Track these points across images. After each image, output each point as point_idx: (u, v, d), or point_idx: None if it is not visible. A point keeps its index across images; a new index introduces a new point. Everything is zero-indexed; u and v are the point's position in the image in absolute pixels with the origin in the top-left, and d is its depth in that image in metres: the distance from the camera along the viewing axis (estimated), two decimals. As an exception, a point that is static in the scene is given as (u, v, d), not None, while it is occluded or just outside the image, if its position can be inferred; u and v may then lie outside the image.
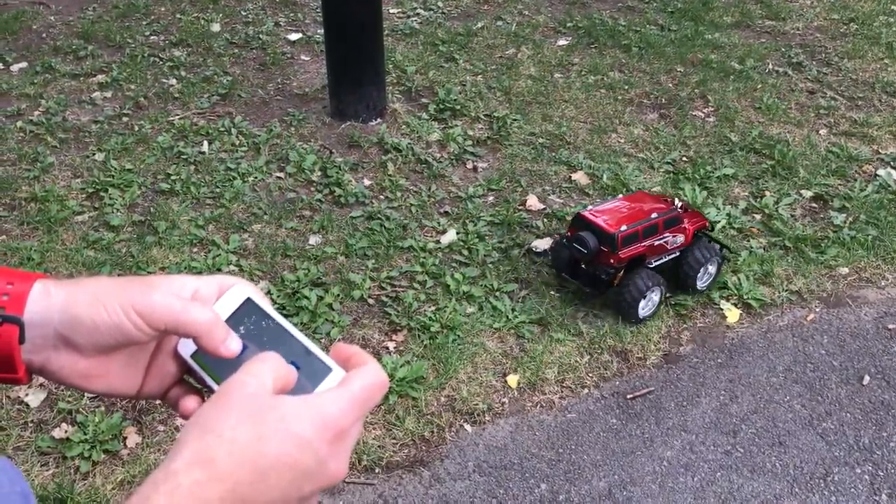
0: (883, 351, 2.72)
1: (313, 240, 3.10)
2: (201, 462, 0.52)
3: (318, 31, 4.81)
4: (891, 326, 2.82)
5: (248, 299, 0.67)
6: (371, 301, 2.79)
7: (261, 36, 4.75)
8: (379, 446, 2.30)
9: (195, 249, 3.02)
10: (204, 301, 0.66)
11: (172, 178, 3.40)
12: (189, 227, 3.11)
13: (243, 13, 5.07)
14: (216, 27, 4.85)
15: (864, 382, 2.59)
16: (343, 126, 3.83)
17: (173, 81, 4.22)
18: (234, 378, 0.57)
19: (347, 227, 3.17)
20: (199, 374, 0.67)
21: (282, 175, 3.48)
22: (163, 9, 5.11)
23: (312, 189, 3.41)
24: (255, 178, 3.44)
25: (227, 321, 0.66)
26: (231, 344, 0.63)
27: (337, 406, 0.56)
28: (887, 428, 2.42)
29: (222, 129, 3.77)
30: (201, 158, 3.55)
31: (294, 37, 4.79)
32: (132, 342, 0.63)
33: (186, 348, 0.67)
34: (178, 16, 5.01)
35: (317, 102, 4.06)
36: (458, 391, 2.49)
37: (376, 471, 2.25)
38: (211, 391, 0.65)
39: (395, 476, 2.24)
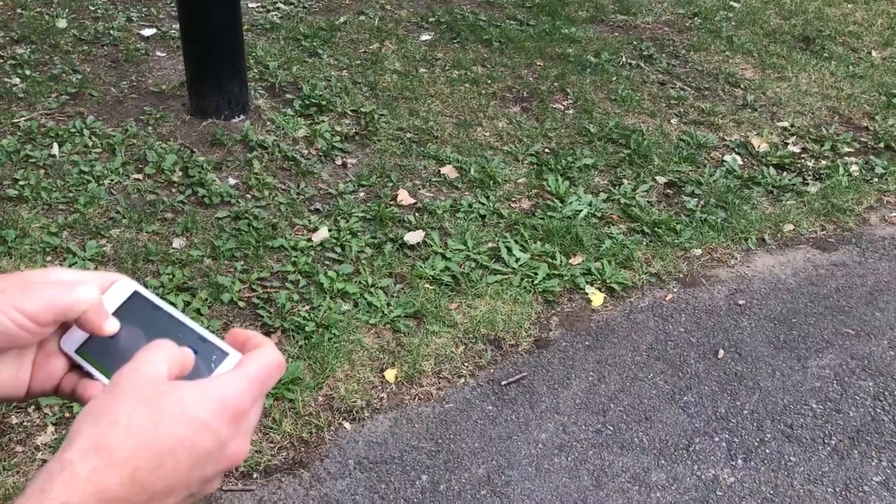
0: (734, 326, 2.91)
1: (177, 243, 3.00)
2: (97, 449, 0.51)
3: (174, 26, 4.63)
4: (741, 302, 3.03)
5: (136, 292, 0.66)
6: (242, 304, 2.73)
7: (112, 32, 4.53)
8: (256, 451, 2.26)
9: (49, 258, 2.85)
10: None
11: (20, 183, 3.19)
12: (41, 234, 2.93)
13: (91, 8, 4.81)
14: (62, 23, 4.58)
15: (720, 356, 2.77)
16: (204, 124, 3.71)
17: (17, 80, 3.96)
18: (127, 367, 0.56)
19: (213, 228, 3.08)
20: (87, 369, 0.65)
21: (140, 177, 3.34)
22: (0, 3, 4.78)
23: (174, 190, 3.29)
24: (112, 180, 3.28)
25: (115, 314, 0.65)
26: (110, 323, 0.63)
27: (235, 387, 0.56)
28: (741, 397, 2.60)
29: (73, 130, 3.57)
30: (52, 162, 3.35)
31: (148, 32, 4.60)
32: (16, 345, 0.61)
33: (70, 343, 0.65)
34: (18, 10, 4.70)
35: (175, 100, 3.91)
36: (335, 390, 2.48)
37: (254, 476, 2.21)
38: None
39: (273, 480, 2.20)
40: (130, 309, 0.65)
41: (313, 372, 2.52)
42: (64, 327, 0.64)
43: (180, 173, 3.37)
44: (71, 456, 0.51)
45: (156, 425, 0.52)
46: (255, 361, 0.59)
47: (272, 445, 2.29)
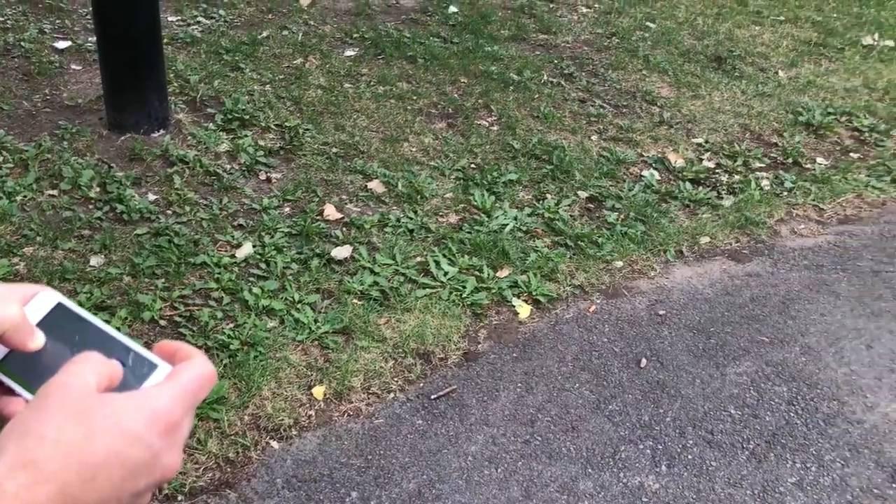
0: (656, 335, 2.99)
1: (95, 260, 2.90)
2: (25, 465, 0.50)
3: (90, 38, 4.51)
4: (661, 312, 3.11)
5: (59, 304, 0.64)
6: (163, 322, 2.66)
7: (23, 43, 4.37)
8: (181, 473, 2.20)
9: (-44, 278, 2.73)
10: None
11: (-77, 199, 3.05)
12: (-53, 253, 2.80)
13: (1, 18, 4.64)
14: (-32, 33, 4.40)
15: (642, 365, 2.83)
16: (123, 139, 3.61)
17: (-82, 92, 3.78)
18: (54, 380, 0.55)
19: (133, 245, 3.00)
20: (7, 384, 0.62)
21: (55, 193, 3.23)
22: None
23: (91, 206, 3.19)
24: (25, 196, 3.16)
25: (38, 326, 0.62)
26: (36, 339, 0.61)
27: (167, 398, 0.55)
28: (663, 405, 2.67)
29: (-18, 144, 3.42)
30: (-42, 177, 3.21)
31: (62, 45, 4.45)
32: None
33: None
34: (-80, 19, 4.50)
35: (92, 114, 3.80)
36: (262, 408, 2.43)
37: (179, 498, 2.15)
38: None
39: (199, 502, 2.15)
40: (54, 321, 0.63)
41: (239, 391, 2.47)
42: None
43: (98, 189, 3.27)
44: None
45: (87, 438, 0.51)
46: (186, 372, 0.58)
47: (197, 466, 2.23)
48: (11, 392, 0.63)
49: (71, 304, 0.65)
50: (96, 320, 0.64)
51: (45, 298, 0.64)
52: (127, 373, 0.59)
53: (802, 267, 3.51)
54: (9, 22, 4.61)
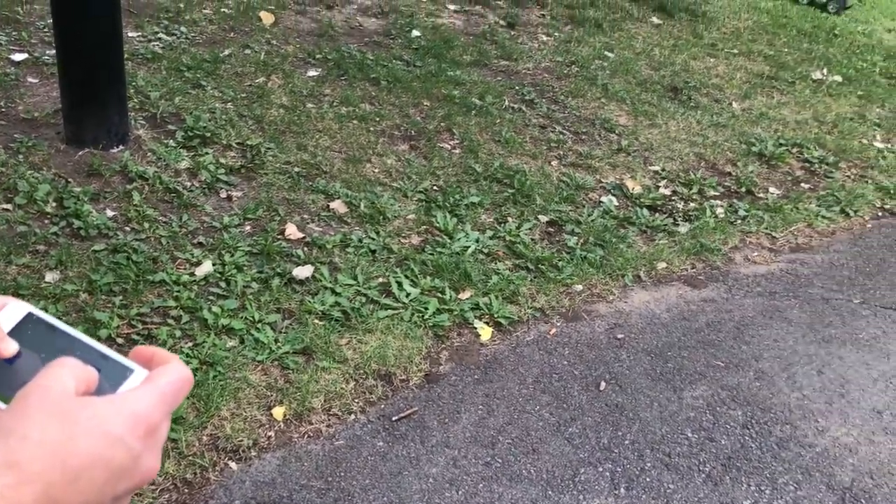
0: (614, 358, 3.03)
1: (50, 276, 2.84)
2: (8, 465, 0.50)
3: (48, 51, 4.44)
4: (620, 336, 3.15)
5: (30, 313, 0.64)
6: (120, 340, 2.61)
7: (-23, 54, 4.29)
8: (136, 494, 2.15)
9: None
10: None
11: None
12: None
13: (-46, 28, 4.55)
14: (-79, 42, 4.30)
15: (601, 388, 2.86)
16: (80, 153, 3.56)
17: None
18: (33, 383, 0.55)
19: (90, 261, 2.94)
20: None
21: (9, 207, 3.15)
22: None
23: (47, 221, 3.12)
24: (-23, 210, 3.08)
25: (10, 336, 0.61)
26: (9, 345, 0.60)
27: (146, 402, 0.56)
28: (622, 428, 2.69)
29: (-67, 155, 3.34)
30: None
31: (19, 57, 4.38)
32: None
33: None
34: None
35: (48, 128, 3.73)
36: (221, 429, 2.40)
37: (134, 521, 2.10)
38: None
39: (155, 524, 2.10)
40: (25, 330, 0.63)
41: (197, 411, 2.43)
42: None
43: (54, 204, 3.21)
44: None
45: (70, 440, 0.52)
46: (164, 376, 0.58)
47: (153, 487, 2.19)
48: None
49: (42, 314, 0.64)
50: (69, 328, 0.64)
51: (15, 309, 0.64)
52: (102, 378, 0.59)
53: (756, 293, 3.59)
54: (-37, 32, 4.52)
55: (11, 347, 0.61)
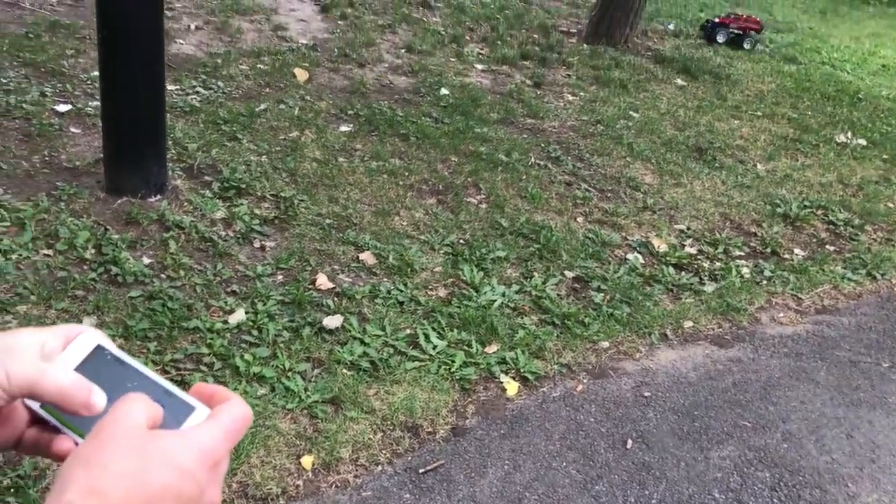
0: (641, 416, 3.03)
1: (87, 321, 2.90)
2: (94, 493, 0.54)
3: (91, 102, 4.59)
4: (646, 394, 3.16)
5: (99, 346, 0.67)
6: (154, 385, 2.65)
7: (24, 105, 4.44)
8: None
9: (-54, 333, 2.71)
10: (51, 354, 0.65)
11: (-82, 254, 3.05)
12: (-60, 308, 2.80)
13: (3, 80, 4.72)
14: (-30, 92, 4.47)
15: (628, 446, 2.86)
16: (119, 202, 3.66)
17: (-82, 148, 3.82)
18: (107, 417, 0.59)
19: (126, 307, 3.01)
20: (53, 424, 0.65)
21: (50, 253, 3.25)
22: None
23: (86, 267, 3.21)
24: (20, 255, 3.17)
25: (79, 369, 0.65)
26: (95, 400, 0.63)
27: (212, 437, 0.60)
28: (649, 487, 2.68)
29: (-21, 201, 3.45)
30: (-46, 233, 3.22)
31: (63, 108, 4.53)
32: None
33: (36, 401, 0.65)
34: (-77, 77, 4.56)
35: (90, 177, 3.85)
36: (250, 476, 2.42)
37: (164, 566, 2.11)
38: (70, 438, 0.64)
39: (185, 570, 2.12)
40: (95, 363, 0.66)
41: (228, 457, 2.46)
42: None
43: (93, 251, 3.30)
44: (70, 498, 0.53)
45: (145, 471, 0.56)
46: (227, 414, 0.62)
47: (183, 533, 2.20)
48: (58, 431, 0.66)
49: (111, 346, 0.67)
50: (136, 363, 0.67)
51: (86, 340, 0.67)
52: (166, 414, 0.62)
53: (782, 354, 3.59)
54: (11, 84, 4.69)
55: (101, 400, 0.64)
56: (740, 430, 3.03)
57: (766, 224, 4.82)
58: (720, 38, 9.22)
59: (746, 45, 9.21)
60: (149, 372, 0.66)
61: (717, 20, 9.41)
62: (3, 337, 0.64)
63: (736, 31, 9.23)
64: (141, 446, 0.57)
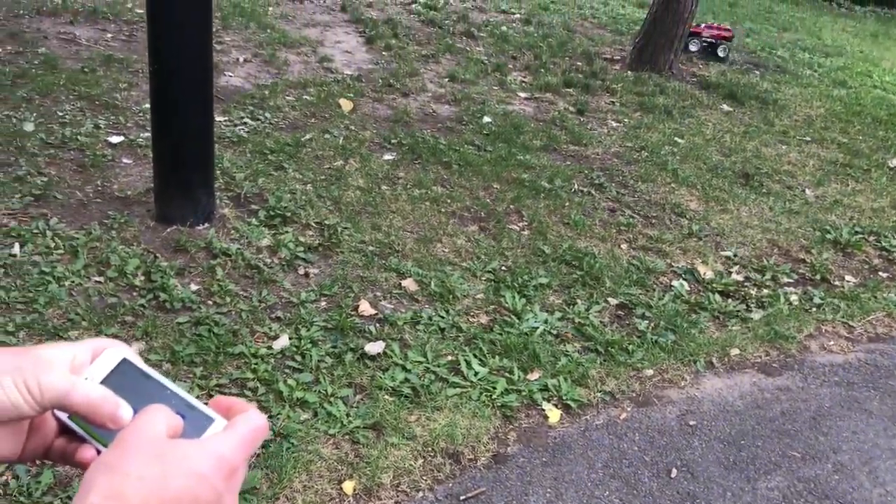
0: (686, 445, 2.97)
1: (136, 347, 2.97)
2: (115, 496, 0.56)
3: (142, 134, 4.73)
4: (691, 423, 3.10)
5: (124, 360, 0.70)
6: (200, 409, 2.69)
7: (79, 137, 4.60)
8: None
9: (2, 357, 2.79)
10: (80, 367, 0.68)
11: (-23, 280, 3.16)
12: (-4, 333, 2.89)
13: (60, 113, 4.90)
14: (29, 126, 4.64)
15: (673, 475, 2.81)
16: (168, 230, 3.75)
17: (-21, 179, 3.97)
18: (129, 426, 0.62)
19: (173, 333, 3.07)
20: (80, 434, 0.68)
21: (101, 279, 3.34)
22: (-32, 104, 4.83)
23: (135, 294, 3.29)
24: (73, 282, 3.27)
25: (104, 382, 0.68)
26: (122, 414, 0.66)
27: (228, 446, 0.62)
28: (694, 517, 2.63)
29: (36, 230, 3.57)
30: (12, 261, 3.33)
31: (115, 139, 4.68)
32: (23, 417, 0.65)
33: (65, 412, 0.68)
34: (-15, 112, 4.75)
35: (140, 206, 3.96)
36: (293, 500, 2.44)
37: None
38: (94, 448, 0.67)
39: None
40: (120, 376, 0.69)
41: (270, 482, 2.48)
42: None
43: (142, 277, 3.38)
44: (93, 500, 0.56)
45: (164, 478, 0.58)
46: (244, 424, 0.65)
47: (226, 557, 2.23)
48: (83, 441, 0.69)
49: (136, 360, 0.70)
50: (159, 376, 0.70)
51: (113, 354, 0.70)
52: (186, 425, 0.65)
53: (833, 383, 3.50)
54: (67, 117, 4.86)
55: (126, 414, 0.66)
56: (789, 460, 2.96)
57: (815, 250, 4.73)
58: (693, 48, 9.29)
59: (721, 53, 9.25)
60: (172, 385, 0.69)
61: (690, 30, 9.43)
62: (35, 350, 0.67)
63: (708, 40, 9.29)
64: (160, 454, 0.60)
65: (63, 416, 0.68)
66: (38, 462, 2.26)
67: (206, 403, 0.68)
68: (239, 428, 0.64)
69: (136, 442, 0.61)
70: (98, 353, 0.70)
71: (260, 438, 0.66)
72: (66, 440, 0.70)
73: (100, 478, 0.58)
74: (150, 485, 0.58)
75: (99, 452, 0.66)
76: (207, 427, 0.65)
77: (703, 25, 9.55)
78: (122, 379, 0.69)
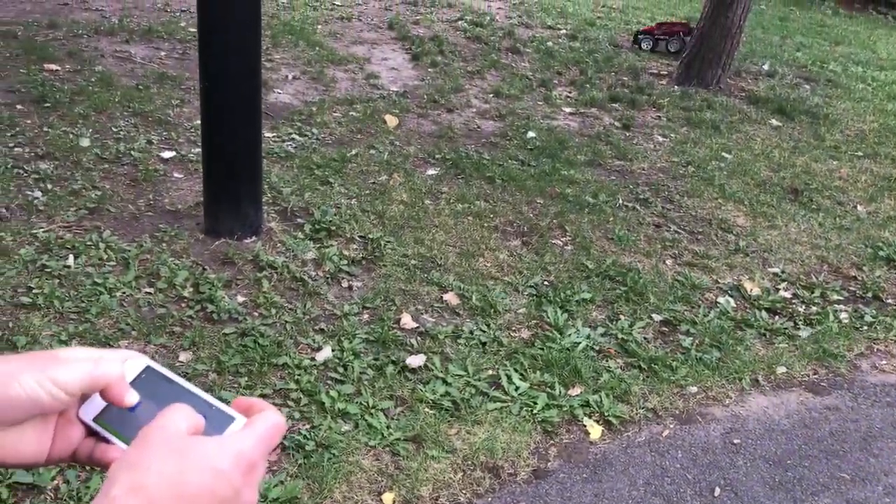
0: (730, 464, 2.93)
1: (183, 356, 3.04)
2: (136, 489, 0.59)
3: (193, 149, 4.85)
4: (736, 441, 3.05)
5: (148, 367, 0.73)
6: (244, 419, 2.74)
7: (132, 152, 4.73)
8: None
9: (56, 365, 2.88)
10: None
11: (34, 291, 3.27)
12: (51, 342, 2.98)
13: (114, 129, 5.05)
14: (85, 142, 4.80)
15: (716, 494, 2.77)
16: (217, 243, 3.84)
17: (38, 194, 4.11)
18: (152, 424, 0.64)
19: (220, 343, 3.14)
20: (104, 435, 0.71)
21: (151, 290, 3.42)
22: (29, 121, 5.01)
23: (183, 305, 3.36)
24: (124, 293, 3.36)
25: (131, 384, 0.71)
26: (131, 395, 0.70)
27: (247, 443, 0.65)
28: (738, 537, 2.59)
29: (90, 242, 3.68)
30: (66, 272, 3.44)
31: (167, 154, 4.80)
32: (44, 412, 0.69)
33: (89, 413, 0.71)
34: (45, 129, 4.92)
35: (190, 219, 4.05)
36: (332, 510, 2.47)
37: None
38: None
39: None
40: (144, 381, 0.72)
41: (311, 492, 2.51)
42: (83, 398, 0.71)
43: (191, 289, 3.46)
44: (115, 493, 0.59)
45: (183, 473, 0.60)
46: (262, 422, 0.67)
47: (267, 565, 2.26)
48: (108, 441, 0.72)
49: (159, 367, 0.74)
50: (181, 380, 0.73)
51: (136, 362, 0.74)
52: (208, 424, 0.68)
53: (885, 404, 3.41)
54: (121, 133, 5.01)
55: (133, 398, 0.71)
56: (838, 481, 2.89)
57: (867, 268, 4.63)
58: (644, 46, 9.48)
59: (671, 48, 9.32)
60: (193, 388, 0.72)
61: (642, 29, 9.76)
62: (54, 352, 0.71)
63: (659, 37, 9.44)
64: (181, 450, 0.62)
65: (87, 418, 0.71)
66: (86, 467, 2.33)
67: (227, 403, 0.71)
68: (257, 426, 0.67)
69: (158, 439, 0.63)
70: (123, 362, 0.73)
71: (278, 436, 0.68)
72: (93, 442, 0.73)
73: (122, 473, 0.60)
74: (169, 479, 0.60)
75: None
76: (228, 425, 0.68)
77: (654, 24, 9.88)
78: (146, 382, 0.72)
